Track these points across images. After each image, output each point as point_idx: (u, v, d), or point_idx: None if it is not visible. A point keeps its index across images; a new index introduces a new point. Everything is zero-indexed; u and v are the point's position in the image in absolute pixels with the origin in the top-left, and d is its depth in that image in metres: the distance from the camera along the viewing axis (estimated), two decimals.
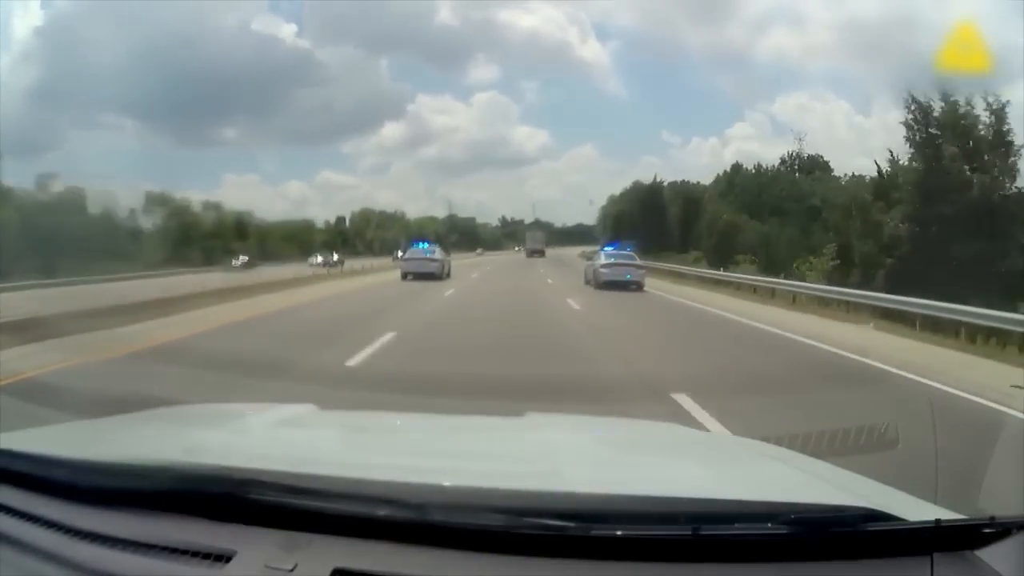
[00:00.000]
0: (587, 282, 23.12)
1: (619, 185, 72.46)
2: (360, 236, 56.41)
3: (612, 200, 60.06)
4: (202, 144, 55.98)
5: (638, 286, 21.86)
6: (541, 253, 49.12)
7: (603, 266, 22.33)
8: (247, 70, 54.19)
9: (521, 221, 68.49)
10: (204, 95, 49.91)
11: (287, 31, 69.71)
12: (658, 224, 46.81)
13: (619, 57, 67.00)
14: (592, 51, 74.94)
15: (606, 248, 25.44)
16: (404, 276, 25.15)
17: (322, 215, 57.81)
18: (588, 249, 40.79)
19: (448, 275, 26.17)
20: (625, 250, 24.27)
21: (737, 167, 49.32)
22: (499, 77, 79.32)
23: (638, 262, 23.33)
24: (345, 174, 74.83)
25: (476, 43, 69.36)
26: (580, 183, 72.44)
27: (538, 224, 62.73)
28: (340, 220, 59.18)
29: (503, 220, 71.51)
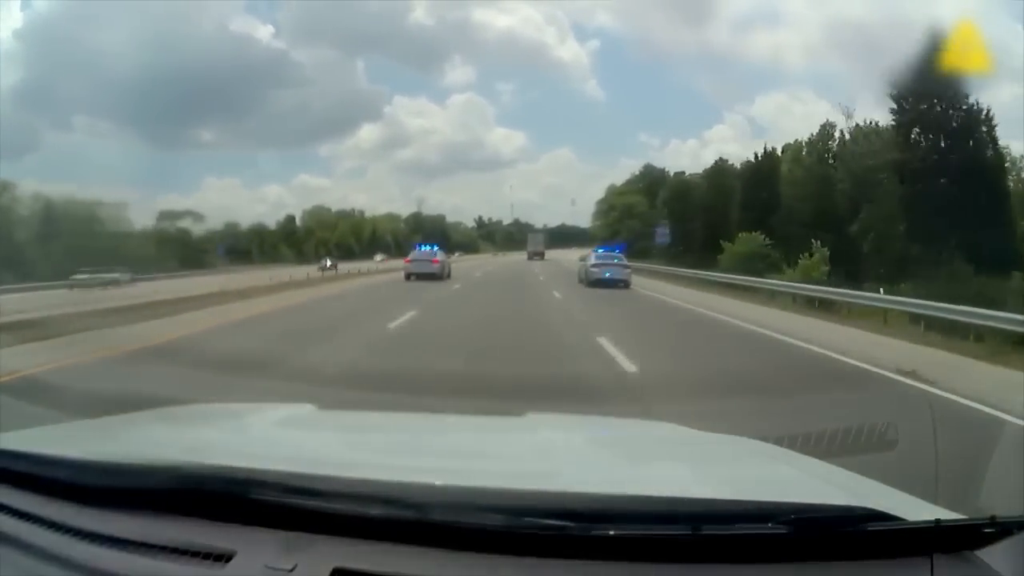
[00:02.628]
0: (580, 280, 24.93)
1: (596, 187, 70.68)
2: (310, 237, 50.24)
3: (614, 192, 53.34)
4: (181, 147, 53.75)
5: (625, 284, 23.67)
6: (541, 256, 48.84)
7: (593, 266, 24.27)
8: (224, 72, 52.80)
9: (499, 222, 65.34)
10: (182, 97, 47.42)
11: (264, 32, 68.78)
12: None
13: (597, 58, 66.60)
14: (570, 52, 74.78)
15: (597, 250, 27.75)
16: (408, 277, 25.75)
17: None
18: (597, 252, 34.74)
19: (448, 276, 26.50)
20: (614, 251, 26.70)
21: (830, 127, 32.40)
22: (476, 79, 78.15)
23: (625, 262, 25.21)
24: (322, 177, 74.23)
25: (453, 44, 68.56)
26: (558, 185, 72.02)
27: (517, 224, 59.84)
28: (290, 219, 51.98)
29: (479, 220, 66.64)
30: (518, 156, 77.85)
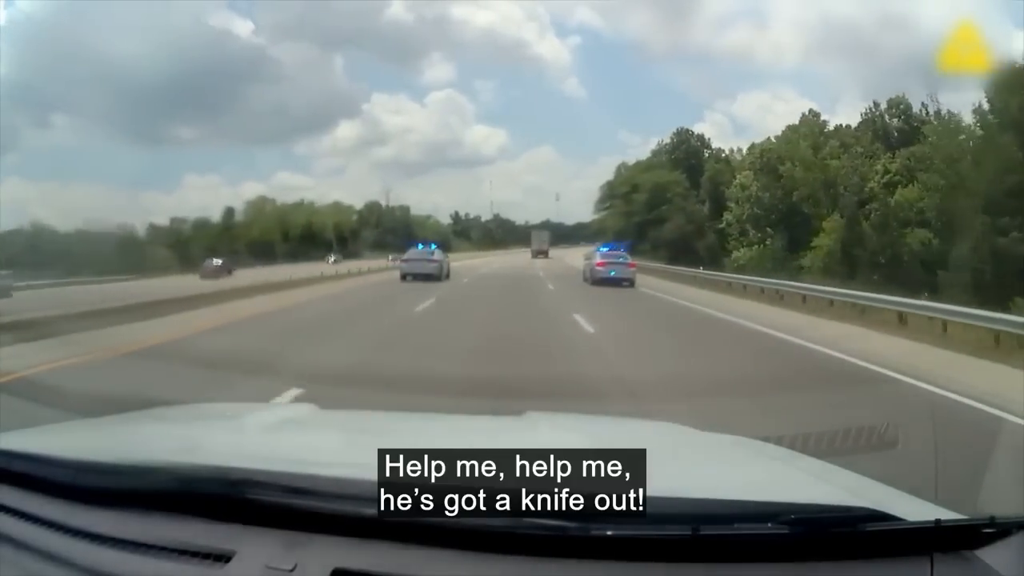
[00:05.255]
0: (584, 279, 24.24)
1: (576, 184, 68.88)
2: (244, 234, 42.22)
3: (635, 168, 40.30)
4: (160, 144, 50.87)
5: (630, 283, 23.09)
6: (545, 254, 47.47)
7: (598, 264, 23.81)
8: (203, 67, 51.00)
9: (478, 218, 58.76)
10: (162, 94, 44.16)
11: (242, 27, 66.96)
12: None
13: (578, 55, 65.51)
14: (551, 49, 73.84)
15: (601, 249, 26.79)
16: (403, 277, 25.21)
17: None
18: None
19: (448, 276, 26.16)
20: (618, 250, 25.93)
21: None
22: (455, 76, 76.85)
23: (630, 261, 24.72)
24: (301, 175, 73.24)
25: (432, 40, 67.02)
26: (538, 183, 70.58)
27: (498, 220, 55.96)
28: (230, 212, 42.99)
29: (455, 216, 58.03)
30: (498, 154, 77.17)
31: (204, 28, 49.38)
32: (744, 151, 36.99)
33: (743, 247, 32.49)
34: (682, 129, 40.23)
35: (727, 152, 38.90)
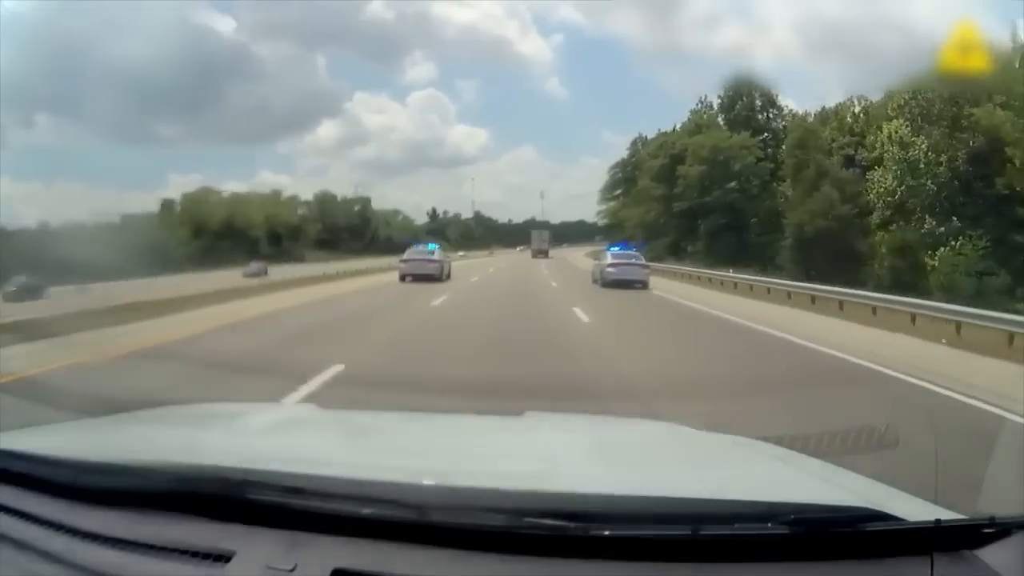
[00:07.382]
0: (594, 281, 23.26)
1: (557, 184, 68.72)
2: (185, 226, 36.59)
3: (645, 142, 32.70)
4: (142, 142, 49.65)
5: (643, 284, 21.97)
6: (545, 254, 46.64)
7: (609, 266, 22.64)
8: (186, 65, 50.55)
9: (458, 215, 57.64)
10: (144, 91, 43.66)
11: (224, 25, 66.98)
12: None
13: (560, 54, 65.54)
14: (533, 47, 74.36)
15: (611, 248, 25.65)
16: (403, 278, 24.82)
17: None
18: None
19: (448, 277, 25.79)
20: (630, 250, 24.72)
21: None
22: (437, 75, 76.39)
23: (643, 262, 23.57)
24: (283, 174, 72.87)
25: (413, 39, 67.85)
26: (520, 183, 70.55)
27: (478, 218, 53.97)
28: (168, 204, 38.20)
29: (432, 213, 53.24)
30: (480, 154, 77.08)
31: (186, 25, 48.77)
32: (812, 116, 26.66)
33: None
34: (740, 78, 28.70)
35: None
